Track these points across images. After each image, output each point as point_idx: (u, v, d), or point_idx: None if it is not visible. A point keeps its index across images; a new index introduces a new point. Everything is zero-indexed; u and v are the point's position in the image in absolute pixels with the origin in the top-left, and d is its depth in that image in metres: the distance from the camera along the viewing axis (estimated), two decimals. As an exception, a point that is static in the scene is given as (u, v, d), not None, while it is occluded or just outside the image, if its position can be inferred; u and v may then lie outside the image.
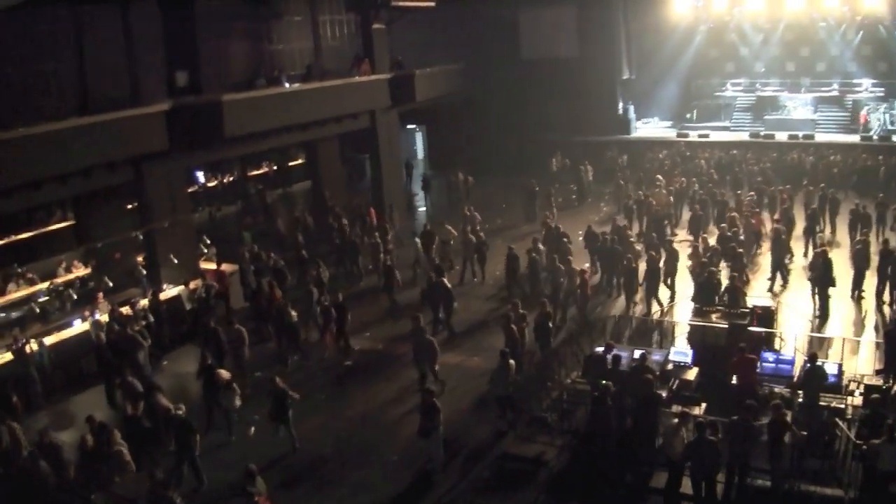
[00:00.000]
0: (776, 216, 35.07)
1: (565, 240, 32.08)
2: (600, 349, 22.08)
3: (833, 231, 35.48)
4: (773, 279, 30.07)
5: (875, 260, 28.90)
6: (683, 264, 29.91)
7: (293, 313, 26.08)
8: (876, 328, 26.47)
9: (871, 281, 28.79)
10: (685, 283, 29.32)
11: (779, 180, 42.00)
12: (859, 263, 28.85)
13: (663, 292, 29.14)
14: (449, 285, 27.77)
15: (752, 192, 37.86)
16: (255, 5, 39.55)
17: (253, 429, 21.62)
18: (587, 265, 31.18)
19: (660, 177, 42.41)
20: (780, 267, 30.30)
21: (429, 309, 27.71)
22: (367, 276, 33.41)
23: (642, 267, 29.09)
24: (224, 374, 21.81)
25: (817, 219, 34.24)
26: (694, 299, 26.35)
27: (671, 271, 29.48)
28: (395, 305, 30.32)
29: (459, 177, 47.27)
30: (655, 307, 28.73)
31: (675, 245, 30.96)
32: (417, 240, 34.24)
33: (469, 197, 45.87)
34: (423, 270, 31.72)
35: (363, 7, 40.63)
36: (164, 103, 28.97)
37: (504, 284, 31.24)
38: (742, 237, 31.50)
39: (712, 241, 31.29)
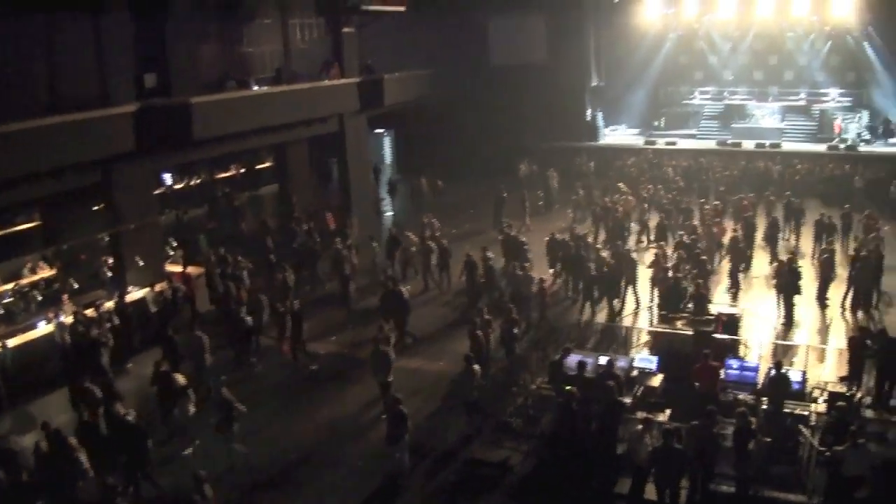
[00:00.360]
0: (735, 225, 35.22)
1: (525, 248, 32.08)
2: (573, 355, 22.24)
3: (797, 240, 35.63)
4: (731, 287, 30.26)
5: (840, 269, 29.25)
6: (645, 271, 30.08)
7: (248, 319, 25.94)
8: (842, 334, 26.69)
9: (835, 290, 29.16)
10: (647, 291, 29.65)
11: (745, 189, 42.26)
12: (825, 272, 29.08)
13: (630, 299, 29.31)
14: (406, 295, 27.72)
15: (717, 201, 37.88)
16: (226, 8, 39.43)
17: (191, 450, 21.09)
18: (550, 272, 31.43)
19: (622, 185, 42.63)
20: (736, 275, 30.52)
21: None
22: (331, 282, 32.99)
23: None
24: (180, 379, 21.62)
25: (780, 227, 34.50)
26: (660, 306, 26.54)
27: (631, 280, 29.61)
28: (350, 315, 30.11)
29: (423, 182, 47.30)
30: (626, 311, 28.88)
31: (634, 254, 31.22)
32: (374, 244, 34.34)
33: (433, 202, 46.05)
34: (381, 277, 31.07)
35: (333, 11, 40.56)
36: (133, 105, 28.83)
37: (464, 290, 31.19)
38: (701, 246, 31.39)
39: (670, 250, 31.44)
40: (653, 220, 37.07)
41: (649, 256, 31.30)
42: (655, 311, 27.19)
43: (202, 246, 35.33)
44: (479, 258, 30.31)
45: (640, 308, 29.17)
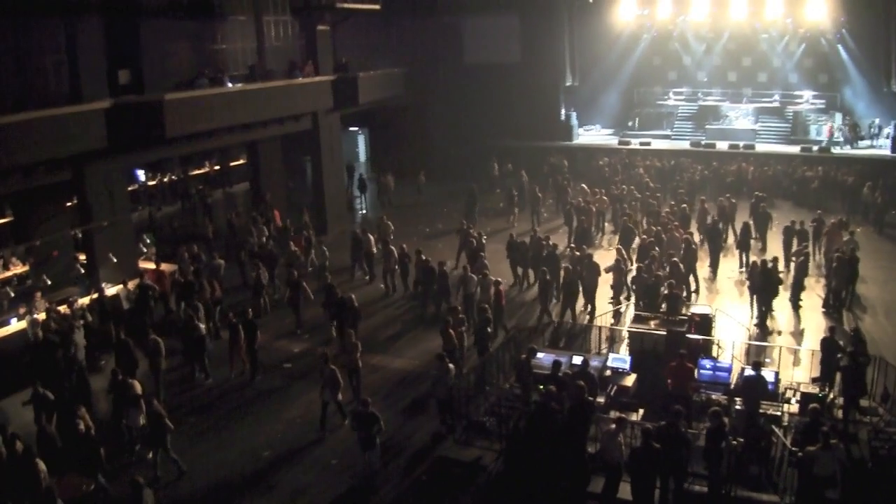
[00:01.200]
0: (690, 228, 35.49)
1: (482, 253, 32.00)
2: (543, 355, 22.28)
3: (763, 243, 35.62)
4: (689, 287, 30.40)
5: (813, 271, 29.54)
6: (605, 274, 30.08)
7: (201, 326, 25.51)
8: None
9: (807, 293, 29.48)
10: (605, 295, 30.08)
11: (715, 190, 42.48)
12: (799, 275, 29.20)
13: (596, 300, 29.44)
14: (355, 302, 27.00)
15: (684, 203, 37.82)
16: (200, 5, 39.31)
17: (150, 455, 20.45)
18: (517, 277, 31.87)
19: (584, 186, 42.72)
20: (692, 275, 30.81)
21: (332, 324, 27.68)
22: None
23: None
24: (136, 387, 21.09)
25: (751, 231, 34.44)
26: (639, 304, 26.74)
27: (589, 283, 29.34)
28: (300, 324, 29.26)
29: (389, 179, 47.41)
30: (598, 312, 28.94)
31: (597, 256, 30.98)
32: (324, 248, 33.87)
33: (390, 204, 46.71)
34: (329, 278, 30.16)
35: (307, 8, 40.47)
36: (105, 101, 28.64)
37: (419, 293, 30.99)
38: (657, 250, 31.18)
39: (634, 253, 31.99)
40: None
41: (612, 258, 31.27)
42: (631, 310, 27.31)
43: (148, 244, 35.17)
44: (436, 262, 29.96)
45: (595, 313, 29.10)
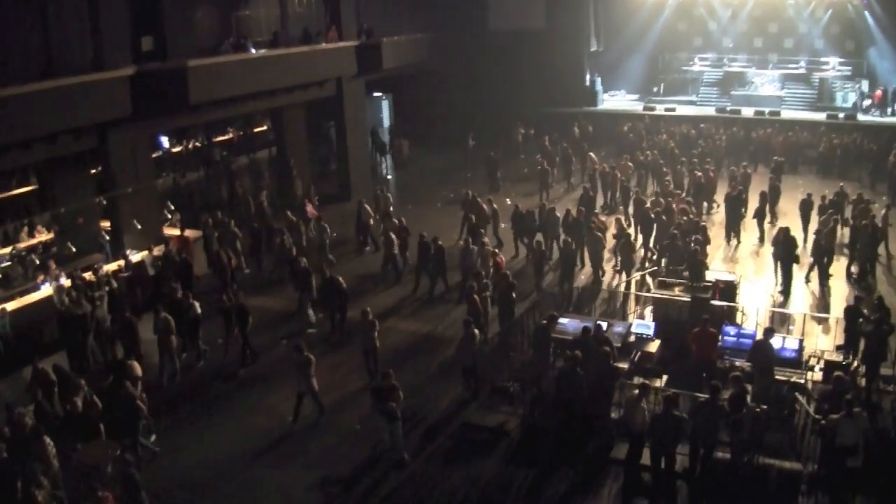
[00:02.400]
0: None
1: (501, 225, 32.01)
2: (566, 321, 22.30)
3: (772, 216, 34.87)
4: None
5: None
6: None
7: (197, 305, 24.52)
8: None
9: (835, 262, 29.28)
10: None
11: (737, 158, 42.31)
12: (828, 244, 28.90)
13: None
14: (343, 284, 25.82)
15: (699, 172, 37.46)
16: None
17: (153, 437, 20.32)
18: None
19: (592, 154, 42.61)
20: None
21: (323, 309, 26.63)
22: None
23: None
24: (136, 369, 20.75)
25: (766, 199, 34.05)
26: (662, 265, 26.84)
27: (593, 250, 29.45)
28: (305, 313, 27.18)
29: (404, 144, 47.59)
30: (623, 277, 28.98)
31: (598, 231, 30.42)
32: (325, 225, 32.56)
33: (407, 166, 47.25)
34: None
35: (331, -27, 40.36)
36: (129, 68, 28.64)
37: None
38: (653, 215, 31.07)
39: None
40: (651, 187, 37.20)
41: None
42: (649, 278, 27.34)
43: (172, 210, 35.05)
44: (430, 239, 29.18)
45: (637, 273, 29.08)
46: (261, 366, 24.04)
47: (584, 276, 29.69)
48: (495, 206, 33.69)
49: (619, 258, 29.33)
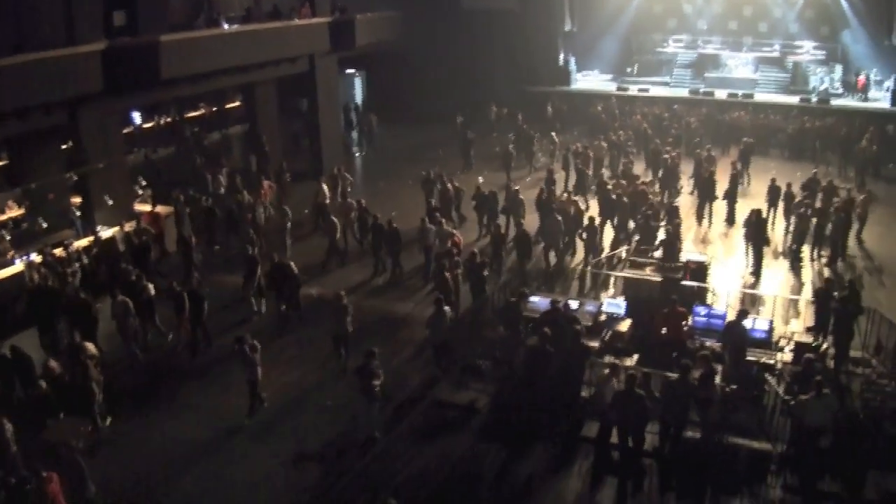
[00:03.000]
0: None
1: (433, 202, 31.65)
2: (537, 299, 22.38)
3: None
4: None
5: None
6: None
7: (150, 287, 24.02)
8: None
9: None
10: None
11: (708, 139, 42.43)
12: (801, 226, 29.12)
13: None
14: (294, 269, 25.14)
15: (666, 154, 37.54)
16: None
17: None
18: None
19: (554, 134, 43.06)
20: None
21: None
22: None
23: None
24: (91, 348, 20.40)
25: (736, 181, 34.17)
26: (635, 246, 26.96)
27: (553, 235, 29.19)
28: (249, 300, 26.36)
29: (373, 119, 47.65)
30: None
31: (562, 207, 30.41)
32: (286, 209, 31.56)
33: (372, 143, 47.54)
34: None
35: (305, -51, 40.13)
36: (101, 43, 28.45)
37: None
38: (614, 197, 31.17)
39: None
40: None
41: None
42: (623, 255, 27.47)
43: (144, 186, 34.99)
44: (385, 221, 28.79)
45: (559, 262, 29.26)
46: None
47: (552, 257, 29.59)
48: (457, 184, 33.56)
49: (584, 240, 29.39)
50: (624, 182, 33.16)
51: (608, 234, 30.80)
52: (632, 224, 30.26)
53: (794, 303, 25.33)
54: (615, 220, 30.63)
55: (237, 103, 48.22)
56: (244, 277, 26.09)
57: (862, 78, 49.25)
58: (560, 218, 28.96)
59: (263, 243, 29.82)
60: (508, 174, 38.93)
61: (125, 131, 36.43)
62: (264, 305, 26.04)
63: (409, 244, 29.09)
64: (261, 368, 20.05)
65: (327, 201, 33.14)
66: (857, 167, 38.75)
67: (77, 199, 30.91)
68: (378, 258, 29.06)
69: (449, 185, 33.03)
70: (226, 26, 35.20)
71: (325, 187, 33.63)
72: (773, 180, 32.56)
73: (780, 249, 29.58)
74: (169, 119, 46.45)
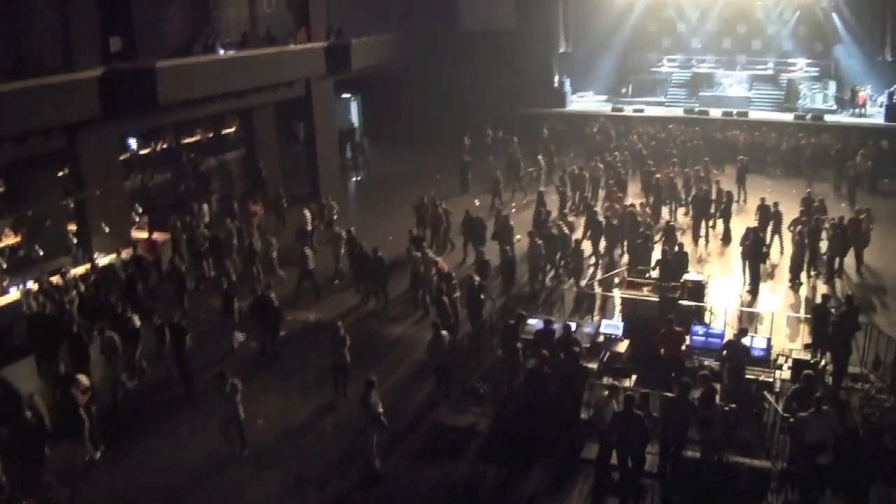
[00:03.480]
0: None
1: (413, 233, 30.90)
2: (534, 321, 22.36)
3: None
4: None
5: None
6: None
7: (135, 318, 23.69)
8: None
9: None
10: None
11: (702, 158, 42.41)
12: (811, 243, 29.04)
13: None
14: (275, 301, 24.73)
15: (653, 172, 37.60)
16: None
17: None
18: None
19: (540, 157, 42.87)
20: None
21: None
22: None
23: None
24: (83, 380, 19.96)
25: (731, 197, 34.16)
26: (630, 266, 26.90)
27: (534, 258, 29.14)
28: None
29: (364, 142, 48.07)
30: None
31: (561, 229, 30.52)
32: (271, 239, 31.37)
33: (366, 165, 47.90)
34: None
35: (300, -27, 40.30)
36: (98, 69, 28.57)
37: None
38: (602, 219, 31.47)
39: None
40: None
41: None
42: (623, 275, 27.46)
43: (140, 213, 34.41)
44: (370, 250, 28.38)
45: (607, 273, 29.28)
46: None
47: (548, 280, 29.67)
48: (445, 206, 33.52)
49: (567, 264, 29.52)
50: (617, 206, 33.09)
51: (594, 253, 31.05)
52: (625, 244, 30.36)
53: (792, 320, 25.32)
54: (603, 242, 30.75)
55: (234, 129, 48.27)
56: (221, 310, 25.80)
57: (863, 94, 49.36)
58: (540, 242, 28.90)
59: (257, 271, 29.69)
60: (494, 200, 38.36)
61: (122, 157, 36.41)
62: (237, 341, 25.50)
63: (401, 269, 29.00)
64: (242, 408, 19.46)
65: (308, 228, 33.00)
66: (849, 183, 38.70)
67: (74, 226, 30.88)
68: (361, 287, 28.87)
69: (440, 210, 32.99)
70: (221, 52, 35.26)
71: (307, 213, 33.50)
72: (763, 199, 32.29)
73: (776, 267, 29.55)
74: (165, 145, 46.46)
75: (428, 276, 27.32)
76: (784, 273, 29.19)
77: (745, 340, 20.21)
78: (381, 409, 18.55)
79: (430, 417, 20.87)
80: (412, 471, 18.79)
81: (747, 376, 19.83)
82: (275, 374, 23.77)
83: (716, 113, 50.01)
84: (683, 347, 20.87)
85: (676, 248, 27.12)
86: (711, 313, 24.54)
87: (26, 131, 26.78)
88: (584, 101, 57.12)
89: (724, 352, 20.21)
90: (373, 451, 18.73)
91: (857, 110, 49.04)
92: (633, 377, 20.27)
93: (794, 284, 28.62)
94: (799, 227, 29.27)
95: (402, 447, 19.64)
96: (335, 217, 34.00)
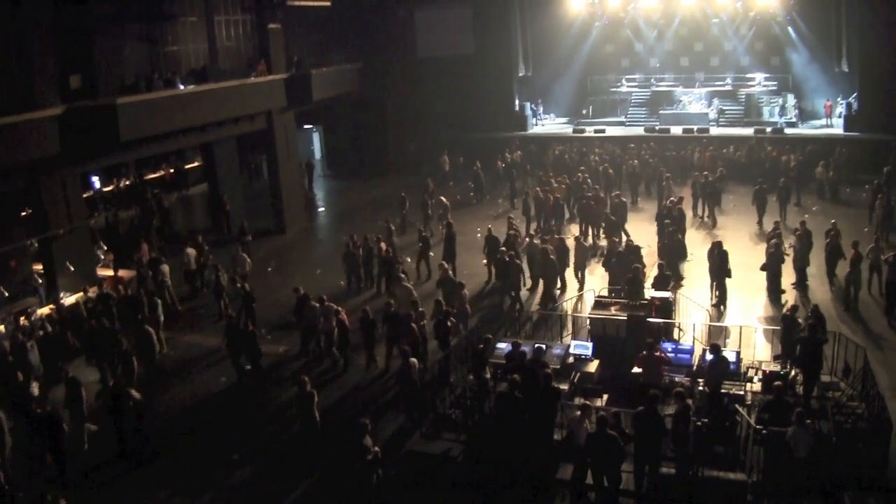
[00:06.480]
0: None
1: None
2: (503, 345, 22.35)
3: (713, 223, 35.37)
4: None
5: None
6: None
7: (124, 341, 23.78)
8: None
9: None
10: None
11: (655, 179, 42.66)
12: (773, 260, 29.18)
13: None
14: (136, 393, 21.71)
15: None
16: (150, 6, 39.07)
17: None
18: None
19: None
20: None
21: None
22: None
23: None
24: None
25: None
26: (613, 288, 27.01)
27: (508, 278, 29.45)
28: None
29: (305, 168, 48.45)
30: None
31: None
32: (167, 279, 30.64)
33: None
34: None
35: (259, 7, 40.32)
36: (58, 107, 28.48)
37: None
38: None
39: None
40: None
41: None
42: (590, 296, 27.49)
43: (105, 250, 34.40)
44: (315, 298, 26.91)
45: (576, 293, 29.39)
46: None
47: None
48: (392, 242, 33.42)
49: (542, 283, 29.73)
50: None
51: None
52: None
53: (761, 332, 25.46)
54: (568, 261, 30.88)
55: (197, 163, 48.24)
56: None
57: (829, 103, 50.02)
58: (508, 259, 29.18)
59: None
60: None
61: (85, 195, 36.27)
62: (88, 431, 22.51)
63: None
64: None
65: (192, 268, 32.50)
66: (817, 193, 39.06)
67: (39, 266, 30.67)
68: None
69: (383, 246, 32.28)
70: (181, 86, 35.23)
71: (190, 252, 32.64)
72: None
73: (744, 281, 29.72)
74: (129, 181, 46.35)
75: (328, 326, 25.96)
76: (754, 285, 29.39)
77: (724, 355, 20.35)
78: (377, 448, 18.23)
79: (403, 446, 20.74)
80: (388, 500, 18.64)
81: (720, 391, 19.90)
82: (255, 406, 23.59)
83: (676, 130, 50.46)
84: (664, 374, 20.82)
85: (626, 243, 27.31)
86: (681, 330, 24.62)
87: (-12, 171, 26.57)
88: (546, 124, 57.57)
89: (706, 368, 20.28)
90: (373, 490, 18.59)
91: (828, 120, 49.65)
92: (605, 396, 20.28)
93: (773, 297, 28.80)
94: (774, 240, 29.47)
95: (376, 476, 19.53)
96: (248, 272, 32.22)
